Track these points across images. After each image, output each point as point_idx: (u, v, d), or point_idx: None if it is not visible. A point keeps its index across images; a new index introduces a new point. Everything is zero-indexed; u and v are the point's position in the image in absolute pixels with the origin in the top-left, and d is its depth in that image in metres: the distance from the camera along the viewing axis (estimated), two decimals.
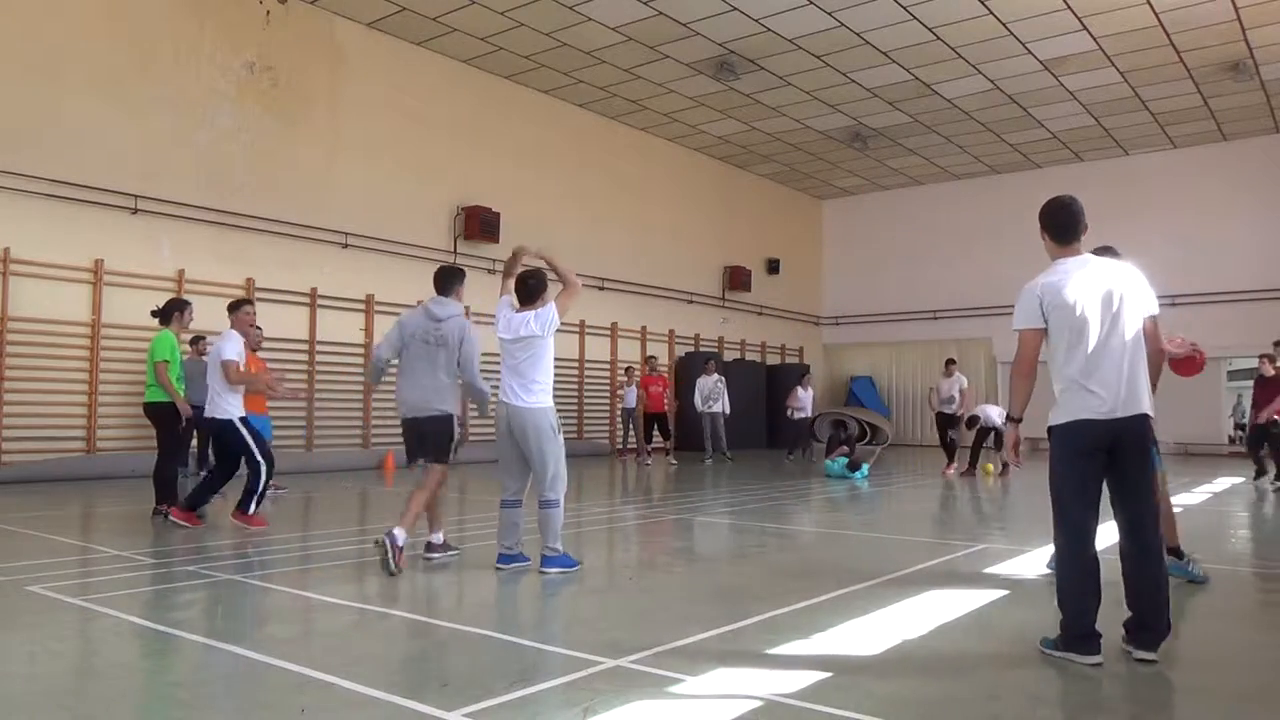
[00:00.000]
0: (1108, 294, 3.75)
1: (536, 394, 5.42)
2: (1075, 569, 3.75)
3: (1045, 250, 3.96)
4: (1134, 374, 3.74)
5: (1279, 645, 4.31)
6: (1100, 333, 3.72)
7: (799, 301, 24.84)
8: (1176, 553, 5.10)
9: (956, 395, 14.07)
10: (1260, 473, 12.05)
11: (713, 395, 16.14)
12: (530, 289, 5.70)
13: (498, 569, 5.55)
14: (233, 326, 7.83)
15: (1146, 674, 3.64)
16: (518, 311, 5.65)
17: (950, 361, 15.02)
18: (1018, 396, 3.91)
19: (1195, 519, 9.14)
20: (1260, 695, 3.54)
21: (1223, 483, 11.90)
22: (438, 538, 6.04)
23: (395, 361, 5.97)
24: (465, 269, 6.51)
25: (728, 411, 16.33)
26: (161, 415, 8.05)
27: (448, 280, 6.15)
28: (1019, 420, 3.97)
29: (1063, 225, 3.90)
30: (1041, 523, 8.46)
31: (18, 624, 4.22)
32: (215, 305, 12.75)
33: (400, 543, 5.39)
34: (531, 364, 5.42)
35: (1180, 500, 10.39)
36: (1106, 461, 3.73)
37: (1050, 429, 3.83)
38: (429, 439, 5.78)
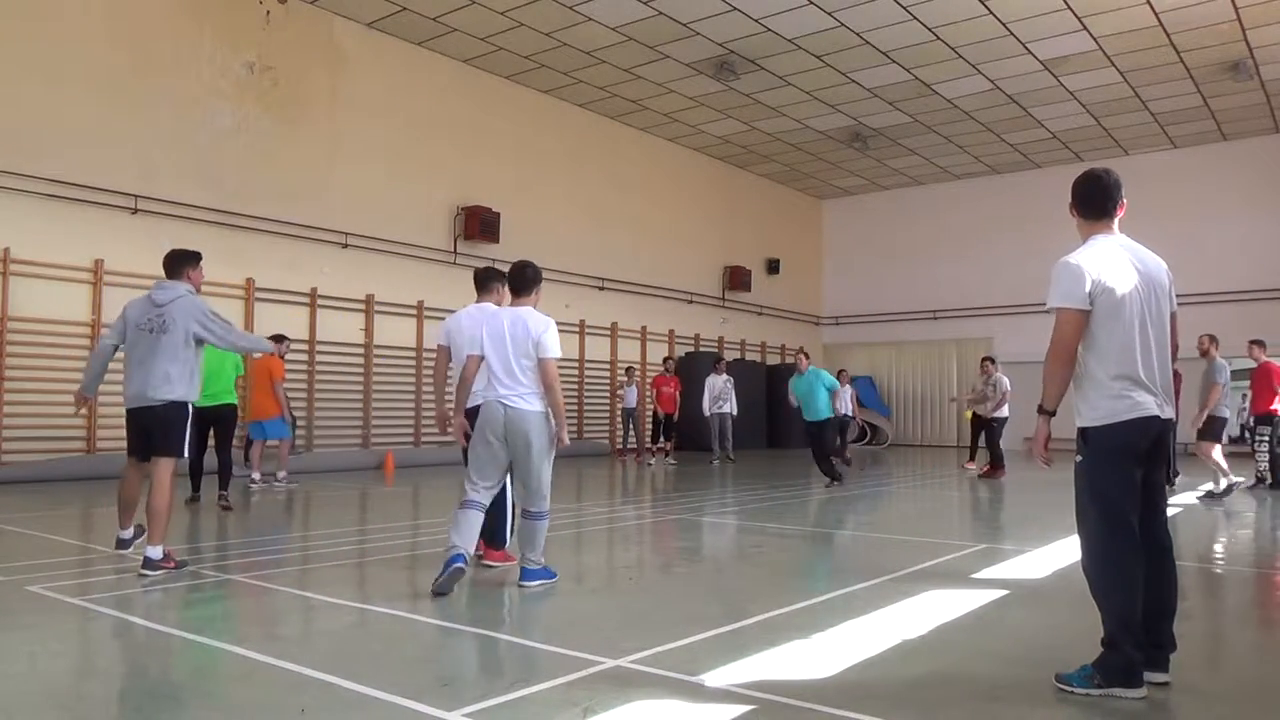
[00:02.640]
0: (1152, 281, 3.50)
1: (539, 400, 5.08)
2: (1128, 582, 3.31)
3: (1076, 228, 3.69)
4: (1170, 370, 3.51)
5: (1279, 645, 4.31)
6: (1151, 323, 3.44)
7: (799, 301, 24.84)
8: None
9: (994, 394, 13.36)
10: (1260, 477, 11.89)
11: (722, 395, 16.01)
12: (528, 278, 5.33)
13: (452, 572, 4.83)
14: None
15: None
16: (513, 304, 5.33)
17: (987, 360, 14.13)
18: (1054, 386, 3.45)
19: (1197, 519, 9.14)
20: (1260, 695, 3.54)
21: (1237, 478, 11.88)
22: (129, 533, 5.61)
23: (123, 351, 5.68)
24: (197, 252, 6.32)
25: (735, 412, 16.21)
26: (228, 415, 9.03)
27: (175, 263, 5.96)
28: (1052, 413, 3.50)
29: (1095, 199, 3.61)
30: (1041, 523, 8.47)
31: (18, 624, 4.22)
32: (215, 305, 12.74)
33: (158, 557, 5.25)
34: (532, 366, 5.07)
35: (1181, 500, 10.40)
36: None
37: (1092, 429, 3.42)
38: (155, 431, 5.43)
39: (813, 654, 3.81)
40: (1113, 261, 3.45)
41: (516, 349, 5.05)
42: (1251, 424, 11.91)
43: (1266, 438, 11.66)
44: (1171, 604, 3.48)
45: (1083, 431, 3.46)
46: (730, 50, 15.35)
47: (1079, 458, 3.51)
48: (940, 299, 23.52)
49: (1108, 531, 3.38)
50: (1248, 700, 3.48)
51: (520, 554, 5.19)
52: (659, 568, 6.22)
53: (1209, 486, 11.06)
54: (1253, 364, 11.96)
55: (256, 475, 10.54)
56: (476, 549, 5.41)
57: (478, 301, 6.05)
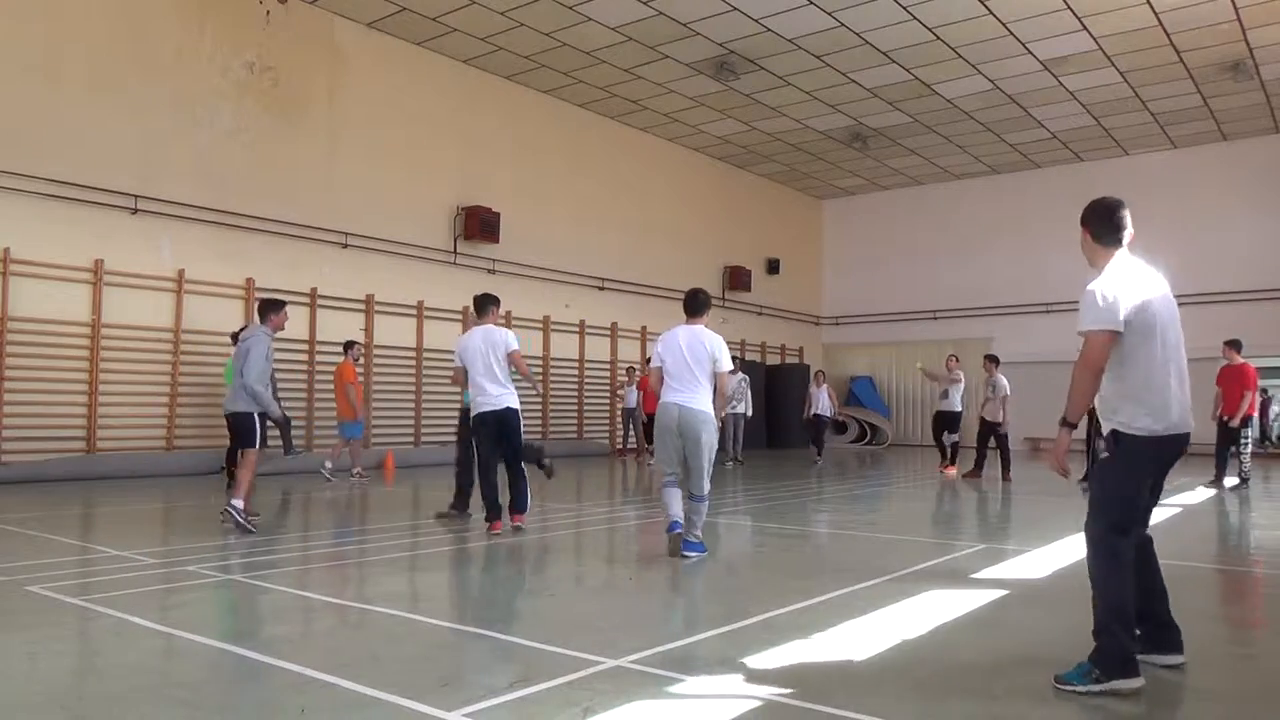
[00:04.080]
0: (1170, 299, 3.72)
1: (708, 402, 6.06)
2: (1126, 582, 3.51)
3: (1084, 250, 3.84)
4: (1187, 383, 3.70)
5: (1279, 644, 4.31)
6: (1177, 340, 3.71)
7: (799, 301, 24.84)
8: None
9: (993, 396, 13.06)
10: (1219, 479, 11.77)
11: (736, 395, 15.64)
12: (700, 302, 6.31)
13: (677, 535, 6.06)
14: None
15: (1143, 673, 3.64)
16: (686, 324, 6.25)
17: (988, 359, 13.64)
18: (1080, 402, 3.62)
19: (1200, 519, 9.14)
20: (1263, 695, 3.54)
21: (1228, 481, 11.89)
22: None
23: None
24: (280, 300, 8.07)
25: (750, 413, 15.95)
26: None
27: (259, 308, 7.96)
28: (1074, 426, 3.65)
29: (1115, 225, 3.76)
30: (1040, 524, 8.47)
31: (18, 624, 4.22)
32: (215, 305, 12.79)
33: (240, 507, 7.09)
34: (706, 376, 6.06)
35: (1181, 500, 10.41)
36: None
37: (1126, 435, 3.57)
38: (235, 431, 7.64)
39: (813, 654, 3.81)
40: (1141, 284, 3.64)
41: (693, 360, 6.04)
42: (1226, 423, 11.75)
43: (1248, 439, 11.76)
44: (1161, 585, 3.71)
45: (1114, 434, 3.62)
46: (730, 50, 15.35)
47: (1104, 454, 3.72)
48: (940, 299, 23.52)
49: (1116, 527, 3.55)
50: (1249, 700, 3.48)
51: (686, 529, 6.10)
52: (659, 568, 6.22)
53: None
54: (1254, 364, 11.96)
55: (329, 464, 11.63)
56: (511, 518, 7.20)
57: (479, 324, 7.48)
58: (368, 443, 14.31)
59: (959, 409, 13.93)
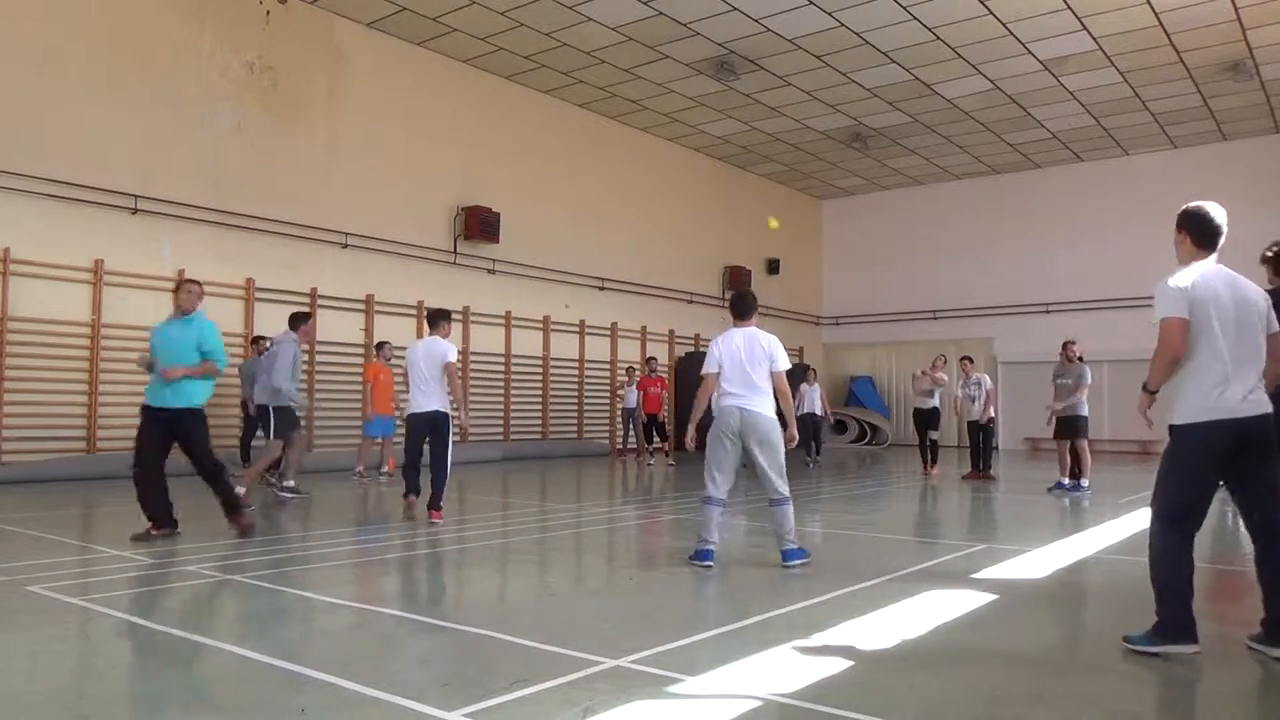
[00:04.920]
0: (1246, 303, 4.07)
1: (770, 404, 6.01)
2: (1172, 565, 3.85)
3: (1177, 249, 4.15)
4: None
5: None
6: (1240, 338, 3.96)
7: (799, 301, 24.83)
8: None
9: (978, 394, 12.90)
10: None
11: None
12: (749, 304, 6.27)
13: (706, 566, 5.84)
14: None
15: (1144, 673, 3.64)
16: (736, 327, 6.19)
17: (965, 359, 13.63)
18: (1159, 376, 3.95)
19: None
20: (1266, 694, 3.55)
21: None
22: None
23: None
24: (307, 312, 9.65)
25: None
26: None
27: (290, 320, 9.65)
28: (1155, 392, 4.01)
29: (1213, 233, 4.11)
30: (1039, 523, 8.47)
31: (18, 624, 4.22)
32: (215, 305, 12.76)
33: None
34: (764, 378, 5.99)
35: None
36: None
37: (1178, 426, 3.91)
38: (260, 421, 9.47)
39: (813, 654, 3.81)
40: (1208, 281, 3.97)
41: (752, 363, 5.96)
42: None
43: None
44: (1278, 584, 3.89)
45: (1170, 427, 3.95)
46: (730, 50, 15.35)
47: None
48: (940, 299, 23.52)
49: (1163, 518, 3.89)
50: (1251, 701, 3.48)
51: (779, 537, 5.98)
52: (659, 568, 6.22)
53: None
54: None
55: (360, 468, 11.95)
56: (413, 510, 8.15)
57: (431, 335, 8.21)
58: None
59: (938, 406, 13.88)
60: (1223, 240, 4.11)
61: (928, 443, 14.04)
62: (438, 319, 8.28)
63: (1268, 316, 4.07)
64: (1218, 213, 4.09)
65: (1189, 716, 3.35)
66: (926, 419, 13.95)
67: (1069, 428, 11.12)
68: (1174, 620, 3.77)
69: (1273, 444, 3.85)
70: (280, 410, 9.38)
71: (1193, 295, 3.88)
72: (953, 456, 18.07)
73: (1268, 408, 3.87)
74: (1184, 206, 4.16)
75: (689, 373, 20.07)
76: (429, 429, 8.03)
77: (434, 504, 7.84)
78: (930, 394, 13.78)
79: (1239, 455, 3.82)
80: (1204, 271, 3.99)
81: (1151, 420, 4.09)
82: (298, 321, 9.70)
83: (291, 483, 9.41)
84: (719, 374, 6.04)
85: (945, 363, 14.13)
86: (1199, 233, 4.08)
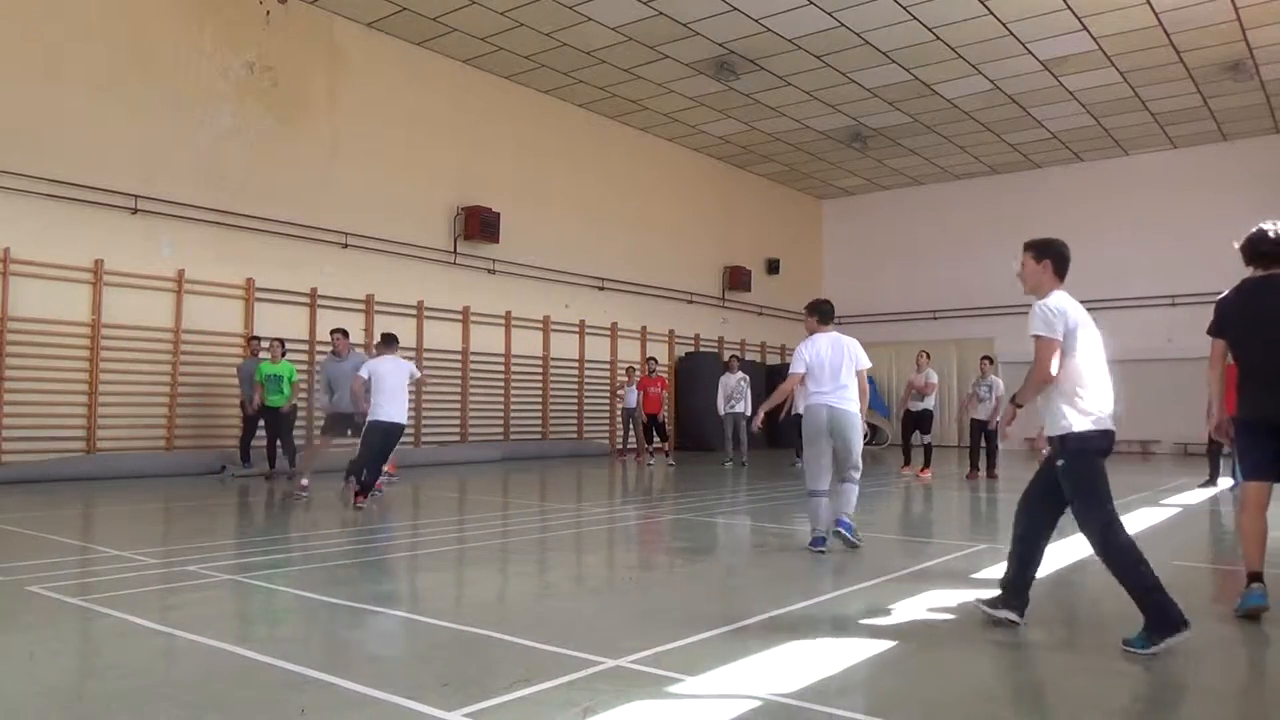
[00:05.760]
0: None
1: (855, 401, 6.63)
2: (1138, 550, 4.03)
3: (1035, 277, 4.45)
4: None
5: None
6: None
7: (799, 301, 24.61)
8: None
9: (990, 397, 12.83)
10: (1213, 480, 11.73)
11: (735, 394, 15.45)
12: (831, 309, 6.97)
13: (820, 551, 6.33)
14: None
15: (1144, 673, 3.64)
16: (820, 332, 6.80)
17: (985, 359, 13.43)
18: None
19: (1198, 519, 9.14)
20: (1263, 694, 3.55)
21: (1225, 481, 11.90)
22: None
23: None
24: (343, 329, 10.57)
25: (749, 413, 15.39)
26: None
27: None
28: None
29: (1068, 267, 4.44)
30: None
31: (18, 624, 4.22)
32: (215, 305, 12.79)
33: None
34: (850, 377, 6.59)
35: (1179, 500, 10.41)
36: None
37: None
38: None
39: (813, 654, 3.81)
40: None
41: (838, 364, 6.57)
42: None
43: None
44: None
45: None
46: (730, 50, 15.35)
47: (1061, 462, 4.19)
48: (940, 299, 23.51)
49: (1104, 521, 4.11)
50: (1250, 700, 3.48)
51: (840, 507, 6.62)
52: (659, 568, 6.22)
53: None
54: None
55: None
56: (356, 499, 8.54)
57: (390, 355, 9.11)
58: None
59: (931, 408, 13.76)
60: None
61: (912, 444, 13.95)
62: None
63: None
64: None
65: (1189, 717, 3.35)
66: (916, 420, 13.85)
67: None
68: (1161, 614, 3.81)
69: None
70: (340, 416, 9.94)
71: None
72: (951, 456, 18.07)
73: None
74: (1045, 239, 4.46)
75: (689, 373, 20.12)
76: (396, 436, 8.95)
77: (364, 491, 8.62)
78: (921, 397, 13.69)
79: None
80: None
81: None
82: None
83: (306, 482, 9.70)
84: (805, 375, 6.64)
85: (929, 359, 13.96)
86: (1063, 265, 4.40)
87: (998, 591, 4.32)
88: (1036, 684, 3.50)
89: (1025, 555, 4.28)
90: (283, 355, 11.77)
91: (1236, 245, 5.19)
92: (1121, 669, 3.70)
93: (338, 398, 9.94)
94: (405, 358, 15.04)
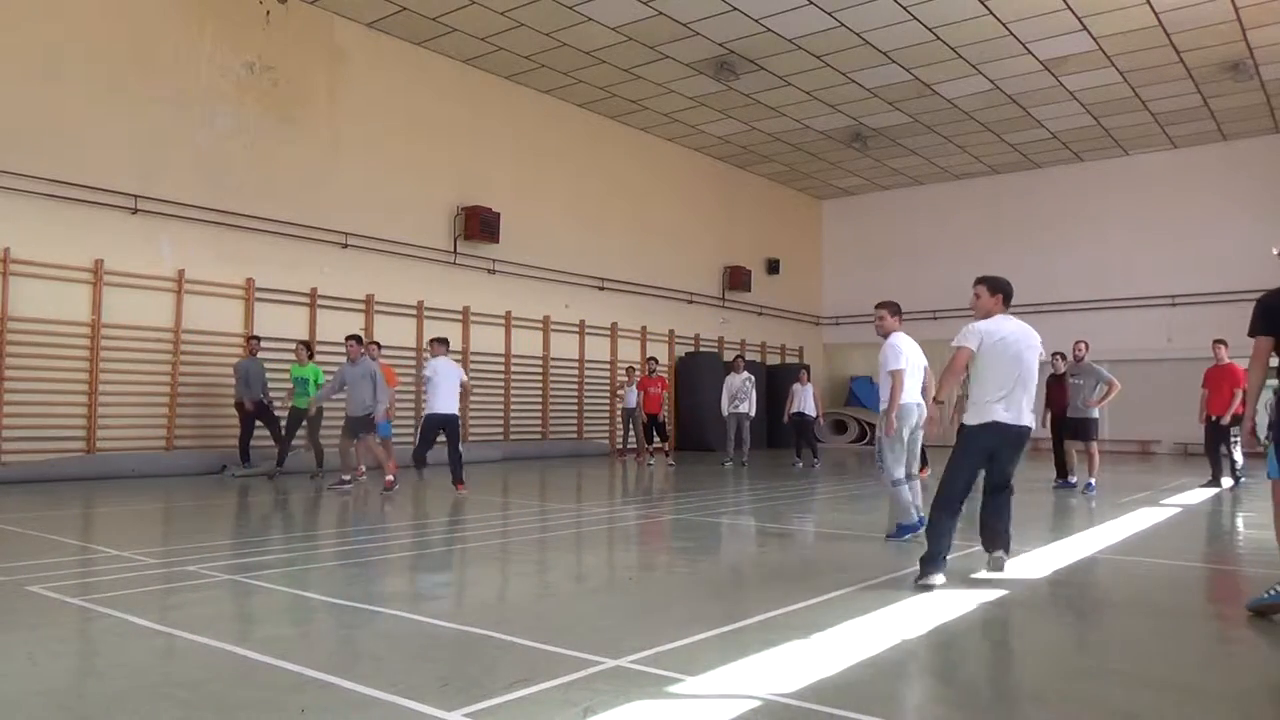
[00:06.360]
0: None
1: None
2: (953, 527, 5.33)
3: (985, 304, 5.68)
4: None
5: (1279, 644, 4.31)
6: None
7: (799, 301, 24.84)
8: None
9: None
10: (1215, 480, 11.74)
11: (740, 395, 15.30)
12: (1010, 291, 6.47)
13: (903, 540, 6.84)
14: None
15: (1145, 673, 3.64)
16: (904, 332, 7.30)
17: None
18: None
19: (1197, 519, 9.14)
20: (1263, 694, 3.54)
21: (1224, 481, 11.90)
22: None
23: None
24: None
25: (753, 413, 15.46)
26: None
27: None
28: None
29: (1010, 297, 5.71)
30: (1038, 524, 8.46)
31: (18, 624, 4.22)
32: (215, 305, 12.79)
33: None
34: (923, 374, 7.28)
35: (1179, 500, 10.40)
36: None
37: None
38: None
39: (813, 654, 3.81)
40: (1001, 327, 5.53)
41: (919, 365, 7.11)
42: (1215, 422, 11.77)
43: (1238, 438, 11.77)
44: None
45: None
46: (730, 50, 15.35)
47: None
48: (940, 299, 23.46)
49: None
50: (1251, 698, 3.48)
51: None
52: (659, 568, 6.22)
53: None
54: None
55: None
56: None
57: (445, 356, 10.41)
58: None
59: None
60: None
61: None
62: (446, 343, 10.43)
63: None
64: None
65: (1189, 717, 3.35)
66: None
67: (1084, 430, 11.13)
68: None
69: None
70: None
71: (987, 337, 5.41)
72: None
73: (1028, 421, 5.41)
74: (993, 276, 5.89)
75: (689, 373, 20.12)
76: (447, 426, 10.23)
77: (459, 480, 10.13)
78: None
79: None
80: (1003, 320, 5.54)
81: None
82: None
83: (348, 478, 10.62)
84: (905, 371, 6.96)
85: None
86: (1009, 296, 5.73)
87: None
88: (1037, 684, 3.50)
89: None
90: (309, 358, 11.86)
91: (1276, 252, 5.28)
92: (1123, 669, 3.70)
93: (357, 401, 10.48)
94: (407, 358, 15.29)
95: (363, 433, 10.40)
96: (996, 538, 5.65)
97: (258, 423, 11.89)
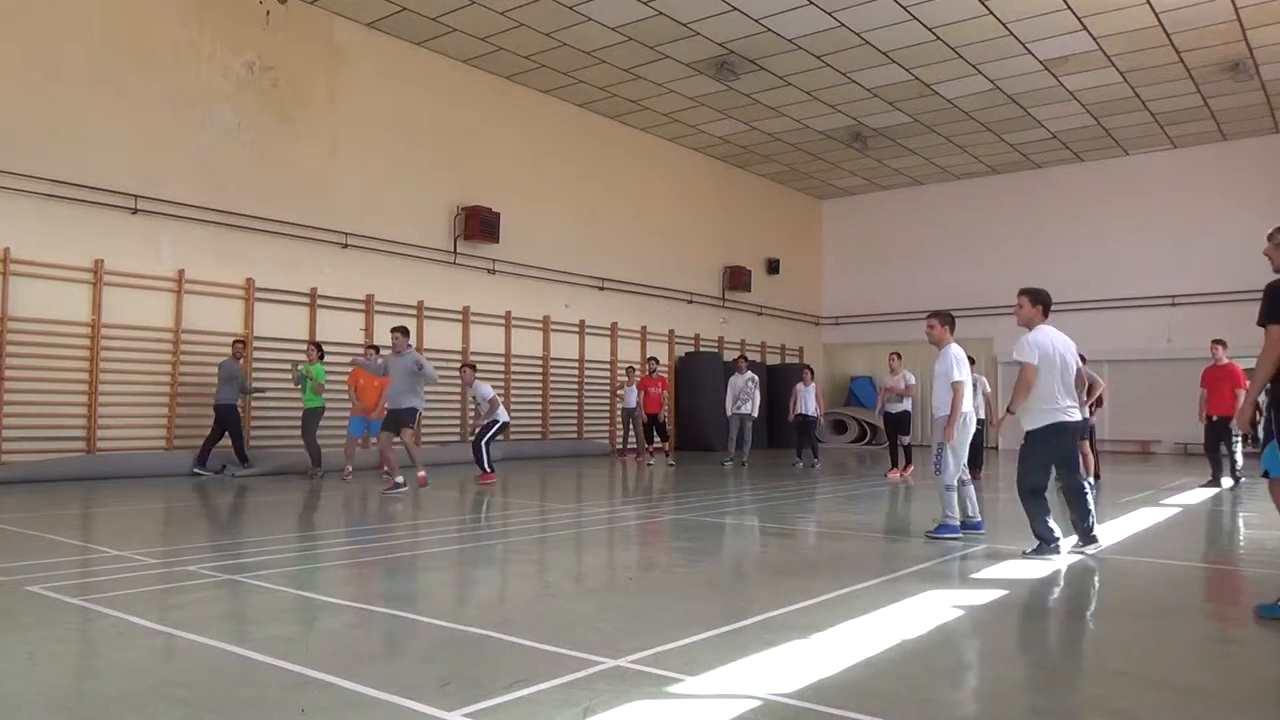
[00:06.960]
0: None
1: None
2: (1048, 506, 6.26)
3: (1027, 314, 6.39)
4: None
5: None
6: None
7: (799, 301, 24.84)
8: None
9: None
10: (1215, 480, 11.77)
11: (744, 395, 15.28)
12: (948, 320, 7.47)
13: (981, 533, 7.21)
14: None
15: (1145, 674, 3.64)
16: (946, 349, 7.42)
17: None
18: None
19: (1196, 520, 9.14)
20: (1263, 694, 3.54)
21: (1225, 481, 11.90)
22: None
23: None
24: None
25: (755, 414, 15.43)
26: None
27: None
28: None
29: (1050, 307, 6.27)
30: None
31: (18, 624, 4.22)
32: (215, 305, 12.79)
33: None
34: (982, 389, 7.71)
35: (1179, 500, 10.40)
36: None
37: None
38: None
39: (813, 654, 3.81)
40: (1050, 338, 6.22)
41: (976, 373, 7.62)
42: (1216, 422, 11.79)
43: (1239, 438, 11.79)
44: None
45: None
46: (730, 50, 15.35)
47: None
48: (940, 299, 23.37)
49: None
50: (1251, 699, 3.48)
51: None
52: (659, 568, 6.22)
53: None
54: (1252, 365, 11.93)
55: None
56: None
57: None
58: (367, 442, 14.30)
59: (910, 409, 13.71)
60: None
61: (899, 446, 13.86)
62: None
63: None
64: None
65: (1189, 717, 3.35)
66: (896, 423, 13.76)
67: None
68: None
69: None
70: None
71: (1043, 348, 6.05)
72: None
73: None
74: (1035, 289, 6.40)
75: (689, 373, 20.12)
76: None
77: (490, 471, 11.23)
78: (899, 399, 13.61)
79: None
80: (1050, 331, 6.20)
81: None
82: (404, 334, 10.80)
83: (422, 472, 10.88)
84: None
85: (901, 360, 13.81)
86: (1048, 307, 6.31)
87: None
88: (1037, 684, 3.50)
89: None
90: (319, 358, 11.90)
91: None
92: (1122, 670, 3.70)
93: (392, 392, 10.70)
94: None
95: (404, 427, 10.62)
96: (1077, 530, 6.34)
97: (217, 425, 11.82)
